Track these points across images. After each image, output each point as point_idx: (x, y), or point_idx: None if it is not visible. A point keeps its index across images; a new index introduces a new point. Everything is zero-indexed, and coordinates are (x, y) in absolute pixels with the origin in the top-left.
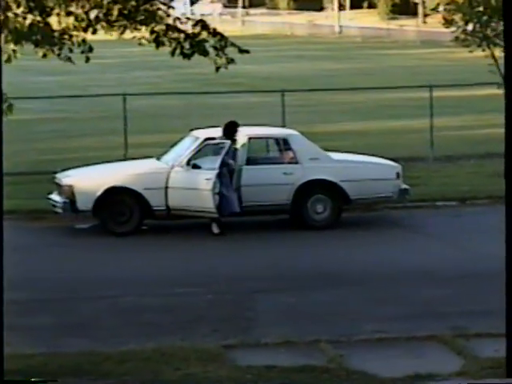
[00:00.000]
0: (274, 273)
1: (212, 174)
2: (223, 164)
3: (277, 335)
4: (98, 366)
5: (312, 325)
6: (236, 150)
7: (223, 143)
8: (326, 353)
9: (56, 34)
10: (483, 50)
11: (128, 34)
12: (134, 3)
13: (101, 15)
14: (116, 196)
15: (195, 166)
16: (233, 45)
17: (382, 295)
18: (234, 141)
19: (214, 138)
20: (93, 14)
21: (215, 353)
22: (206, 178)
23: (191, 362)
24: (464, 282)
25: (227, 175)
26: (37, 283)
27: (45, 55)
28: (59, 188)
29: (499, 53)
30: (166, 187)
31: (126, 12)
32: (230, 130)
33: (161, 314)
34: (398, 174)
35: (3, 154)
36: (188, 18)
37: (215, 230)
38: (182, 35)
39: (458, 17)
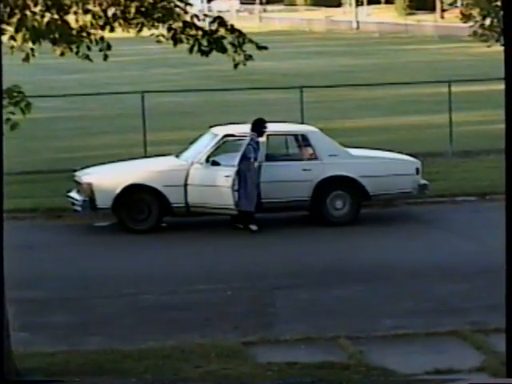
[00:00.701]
0: (293, 269)
1: (231, 171)
2: (243, 160)
3: (296, 332)
4: (118, 364)
5: (331, 321)
6: (258, 145)
7: (243, 139)
8: (346, 349)
9: (74, 32)
10: (502, 45)
11: (146, 32)
12: (151, 0)
13: (118, 13)
14: (135, 194)
15: (214, 163)
16: (251, 41)
17: (402, 291)
18: (262, 137)
19: (233, 135)
20: (110, 12)
21: (235, 349)
22: (225, 175)
23: (211, 359)
24: (483, 277)
25: (248, 171)
26: (55, 282)
27: (63, 53)
28: (78, 186)
29: None
30: (186, 184)
31: (143, 9)
32: (259, 127)
33: (180, 312)
34: (417, 170)
35: (3, 154)
36: (205, 15)
37: (253, 227)
38: (200, 32)
39: (475, 11)
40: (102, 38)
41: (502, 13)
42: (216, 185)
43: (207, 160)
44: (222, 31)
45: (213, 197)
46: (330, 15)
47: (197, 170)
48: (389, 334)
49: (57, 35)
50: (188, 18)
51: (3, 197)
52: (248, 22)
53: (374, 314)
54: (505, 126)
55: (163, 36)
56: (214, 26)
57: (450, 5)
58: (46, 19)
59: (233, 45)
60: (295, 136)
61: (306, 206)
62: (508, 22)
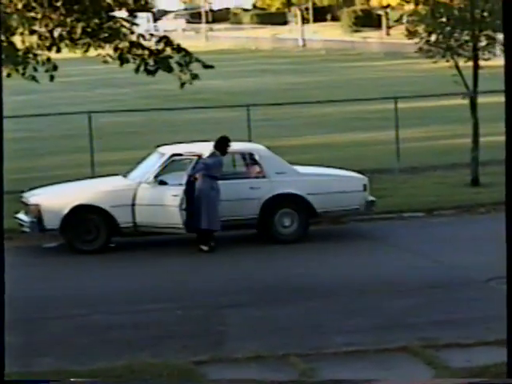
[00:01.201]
0: (243, 287)
1: (179, 190)
2: (206, 178)
3: (247, 350)
4: None
5: (282, 338)
6: (221, 163)
7: (190, 158)
8: (297, 366)
9: (20, 53)
10: (447, 61)
11: (92, 52)
12: (97, 21)
13: (64, 33)
14: (83, 214)
15: (162, 183)
16: (197, 60)
17: (351, 307)
18: (225, 155)
19: (180, 154)
20: (56, 33)
21: (186, 369)
22: (172, 194)
23: (162, 378)
24: (432, 292)
25: (212, 189)
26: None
27: (9, 75)
28: (26, 207)
29: (463, 63)
30: (133, 204)
31: (89, 30)
32: (222, 145)
33: (130, 331)
34: (364, 186)
35: (3, 155)
36: (152, 35)
37: (204, 247)
38: (146, 52)
39: (421, 28)
40: (48, 59)
41: (447, 28)
42: (164, 204)
43: (155, 179)
44: (168, 50)
45: (161, 216)
46: (276, 33)
47: (144, 190)
48: (340, 351)
49: (3, 56)
50: (134, 38)
51: (3, 199)
52: (194, 41)
53: (324, 331)
54: (505, 132)
55: (110, 56)
56: (161, 46)
57: (396, 21)
58: None
59: (179, 64)
60: (242, 154)
61: (254, 224)
62: (508, 33)
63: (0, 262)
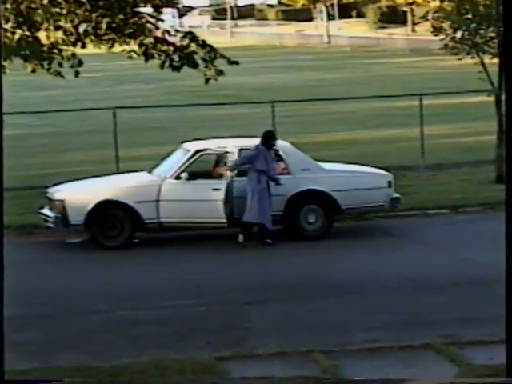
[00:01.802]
0: (267, 283)
1: (221, 184)
2: (254, 172)
3: (270, 346)
4: (92, 381)
5: (305, 335)
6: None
7: (217, 154)
8: (320, 363)
9: (45, 49)
10: (472, 58)
11: (117, 48)
12: (122, 17)
13: (89, 29)
14: (107, 210)
15: (194, 177)
16: (222, 56)
17: (375, 304)
18: (273, 150)
19: (205, 150)
20: (81, 28)
21: (209, 365)
22: (213, 188)
23: (186, 374)
24: (456, 290)
25: (259, 183)
26: (27, 298)
27: (34, 70)
28: (51, 203)
29: (488, 60)
30: (158, 200)
31: (114, 25)
32: (267, 140)
33: (154, 327)
34: (389, 183)
35: (3, 158)
36: (177, 31)
37: (240, 238)
38: (171, 48)
39: (446, 24)
40: (73, 55)
41: (473, 25)
42: (202, 199)
43: (179, 175)
44: (193, 46)
45: (197, 212)
46: (301, 29)
47: (169, 186)
48: (363, 348)
49: (28, 52)
50: (159, 34)
51: (3, 199)
52: (219, 37)
53: (347, 328)
54: (505, 128)
55: (135, 52)
56: (186, 42)
57: (421, 18)
58: (17, 36)
59: (204, 60)
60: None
61: (278, 220)
62: (508, 31)
63: (0, 263)
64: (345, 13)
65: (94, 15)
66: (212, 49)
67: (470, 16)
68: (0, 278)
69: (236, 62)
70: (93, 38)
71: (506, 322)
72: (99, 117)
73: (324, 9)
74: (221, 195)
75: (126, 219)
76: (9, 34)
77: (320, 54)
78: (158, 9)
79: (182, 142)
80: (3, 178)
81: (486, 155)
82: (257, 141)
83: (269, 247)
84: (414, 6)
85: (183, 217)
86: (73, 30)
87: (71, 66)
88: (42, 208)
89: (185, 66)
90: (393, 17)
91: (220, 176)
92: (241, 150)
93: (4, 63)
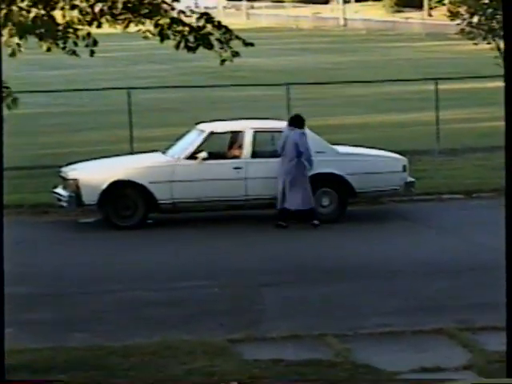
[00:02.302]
0: (279, 266)
1: (241, 163)
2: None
3: (283, 329)
4: (103, 361)
5: (318, 318)
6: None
7: (229, 134)
8: (333, 347)
9: (60, 28)
10: (488, 43)
11: (132, 28)
12: None
13: (105, 8)
14: (121, 190)
15: (210, 157)
16: (237, 38)
17: (388, 288)
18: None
19: (219, 131)
20: (97, 8)
21: (221, 347)
22: (234, 167)
23: (197, 356)
24: (469, 275)
25: (298, 166)
26: (40, 278)
27: (49, 49)
28: (64, 182)
29: None
30: (172, 180)
31: (130, 5)
32: (298, 122)
33: (166, 308)
34: (404, 167)
35: (3, 150)
36: (192, 11)
37: (315, 222)
38: (187, 28)
39: (463, 9)
40: (88, 34)
41: (489, 10)
42: (222, 178)
43: (192, 156)
44: (208, 27)
45: (211, 191)
46: (317, 12)
47: (184, 166)
48: (375, 332)
49: (43, 31)
50: (175, 14)
51: (3, 194)
52: (235, 18)
53: (360, 312)
54: (505, 125)
55: (150, 32)
56: (201, 23)
57: (438, 2)
58: (32, 14)
59: (219, 41)
60: (281, 133)
61: None
62: (508, 21)
63: (0, 262)
64: None
65: None
66: (228, 30)
67: (486, 1)
68: (1, 279)
69: (251, 44)
70: (108, 17)
71: (506, 322)
72: (114, 97)
73: None
74: (242, 174)
75: (139, 199)
76: (24, 13)
77: (336, 37)
78: None
79: (197, 123)
80: (3, 178)
81: (501, 141)
82: (271, 123)
83: (281, 228)
84: None
85: (199, 197)
86: (88, 9)
87: (86, 46)
88: (55, 187)
89: (200, 46)
90: (409, 1)
91: (235, 157)
92: (255, 131)
93: (19, 42)
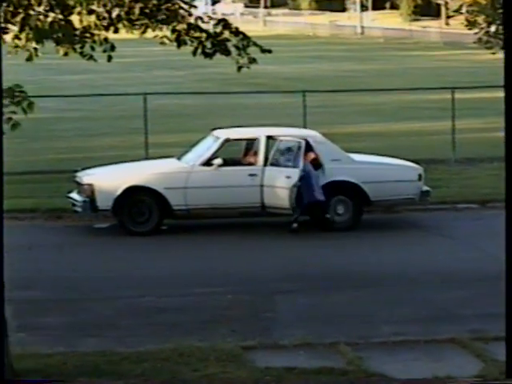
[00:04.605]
0: (293, 274)
1: (257, 171)
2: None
3: (296, 337)
4: (115, 366)
5: (331, 327)
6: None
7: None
8: (345, 355)
9: (77, 33)
10: None
11: (150, 33)
12: (155, 2)
13: (122, 14)
14: (136, 195)
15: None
16: (255, 44)
17: (402, 297)
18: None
19: (235, 138)
20: (114, 13)
21: (234, 353)
22: (250, 174)
23: (210, 362)
24: (484, 285)
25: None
26: (54, 282)
27: (66, 53)
28: (79, 187)
29: None
30: (187, 187)
31: (147, 11)
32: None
33: (179, 315)
34: (419, 176)
35: (3, 153)
36: (210, 17)
37: (294, 225)
38: (204, 34)
39: (480, 18)
40: (105, 39)
41: None
42: (237, 185)
43: (208, 162)
44: (226, 34)
45: (226, 197)
46: (335, 20)
47: (199, 173)
48: (388, 341)
49: (60, 35)
50: (192, 21)
51: (3, 197)
52: (252, 25)
53: (373, 321)
54: (505, 130)
55: (167, 38)
56: (219, 29)
57: (456, 11)
58: (49, 19)
59: (237, 47)
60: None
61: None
62: (508, 26)
63: (0, 262)
64: (378, 4)
65: (126, 0)
66: (245, 36)
67: None
68: (1, 280)
69: (269, 51)
70: (125, 23)
71: (506, 322)
72: (130, 102)
73: None
74: (257, 181)
75: (154, 205)
76: (41, 17)
77: (353, 45)
78: None
79: (212, 130)
80: (3, 180)
81: None
82: (287, 130)
83: (295, 236)
84: None
85: (213, 203)
86: (106, 14)
87: (104, 51)
88: (70, 192)
89: (217, 53)
90: (427, 9)
91: (250, 164)
92: (270, 138)
93: (36, 46)
